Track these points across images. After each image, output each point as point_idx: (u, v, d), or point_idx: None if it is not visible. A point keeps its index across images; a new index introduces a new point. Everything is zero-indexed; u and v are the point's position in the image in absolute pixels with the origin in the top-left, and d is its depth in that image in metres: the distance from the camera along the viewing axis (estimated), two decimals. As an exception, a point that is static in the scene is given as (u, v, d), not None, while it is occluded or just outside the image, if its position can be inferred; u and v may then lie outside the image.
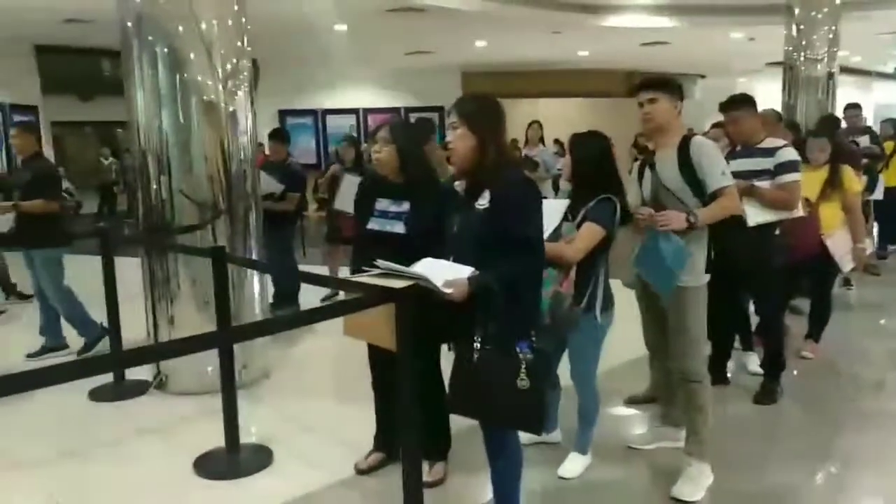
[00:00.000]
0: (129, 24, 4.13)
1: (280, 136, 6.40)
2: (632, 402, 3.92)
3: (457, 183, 2.65)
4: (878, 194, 6.75)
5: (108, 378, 4.32)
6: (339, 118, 15.51)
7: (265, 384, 4.37)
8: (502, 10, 9.70)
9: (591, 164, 3.04)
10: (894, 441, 3.51)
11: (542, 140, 8.67)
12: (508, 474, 2.54)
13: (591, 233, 2.90)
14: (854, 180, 4.47)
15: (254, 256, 4.46)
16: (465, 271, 2.31)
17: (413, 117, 13.23)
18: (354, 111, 15.73)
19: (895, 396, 4.09)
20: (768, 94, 11.60)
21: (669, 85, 2.96)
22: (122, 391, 4.27)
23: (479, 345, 2.33)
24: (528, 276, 2.37)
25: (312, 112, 15.67)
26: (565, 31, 11.49)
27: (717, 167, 2.88)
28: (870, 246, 4.54)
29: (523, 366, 2.28)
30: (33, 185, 4.88)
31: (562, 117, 13.06)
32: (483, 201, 2.38)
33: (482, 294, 2.28)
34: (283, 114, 15.30)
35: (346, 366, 3.86)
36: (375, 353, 3.08)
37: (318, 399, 4.14)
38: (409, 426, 2.34)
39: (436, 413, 2.95)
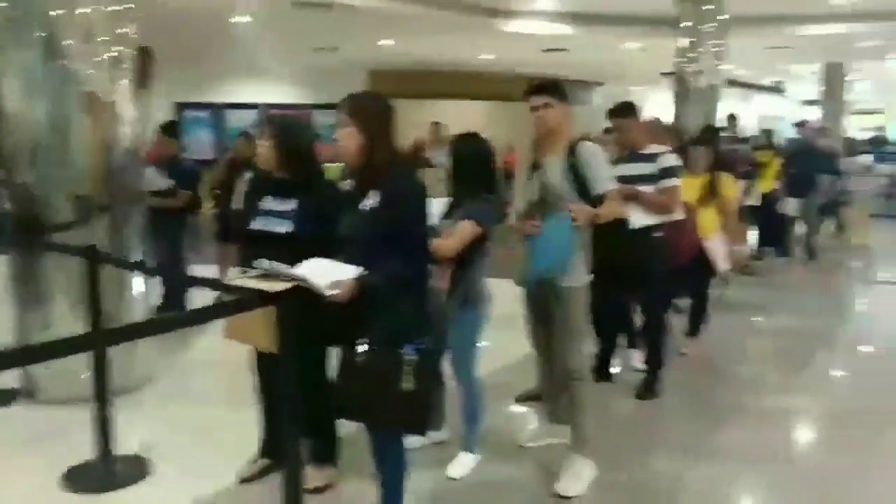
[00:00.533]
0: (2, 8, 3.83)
1: (171, 130, 6.13)
2: (520, 399, 4.00)
3: (345, 181, 2.61)
4: (755, 200, 7.20)
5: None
6: (240, 113, 15.02)
7: (147, 391, 4.16)
8: (406, 10, 9.70)
9: (470, 164, 3.12)
10: (770, 433, 3.74)
11: (441, 141, 8.73)
12: (393, 477, 2.53)
13: (466, 230, 2.97)
14: (731, 187, 4.75)
15: (138, 256, 4.23)
16: (352, 271, 2.28)
17: (317, 115, 13.02)
18: (256, 106, 15.29)
19: (770, 391, 4.35)
20: (662, 104, 12.19)
21: (560, 90, 3.04)
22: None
23: (364, 346, 2.31)
24: (414, 277, 2.37)
25: (211, 106, 15.11)
26: (469, 34, 11.62)
27: (603, 171, 2.99)
28: (745, 248, 4.82)
29: (408, 367, 2.27)
30: None
31: (466, 120, 13.20)
32: (371, 200, 2.36)
33: (369, 295, 2.26)
34: (181, 107, 14.67)
35: (234, 370, 3.72)
36: (260, 357, 2.99)
37: (202, 405, 3.98)
38: (289, 431, 2.28)
39: (323, 417, 2.90)
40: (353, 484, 3.04)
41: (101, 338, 2.84)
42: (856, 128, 23.63)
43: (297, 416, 2.29)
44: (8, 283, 4.10)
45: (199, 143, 14.51)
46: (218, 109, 15.20)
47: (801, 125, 8.91)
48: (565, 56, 13.79)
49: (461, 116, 13.97)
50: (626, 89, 20.13)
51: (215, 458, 3.30)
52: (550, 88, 3.05)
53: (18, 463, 3.31)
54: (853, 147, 9.63)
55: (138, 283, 4.27)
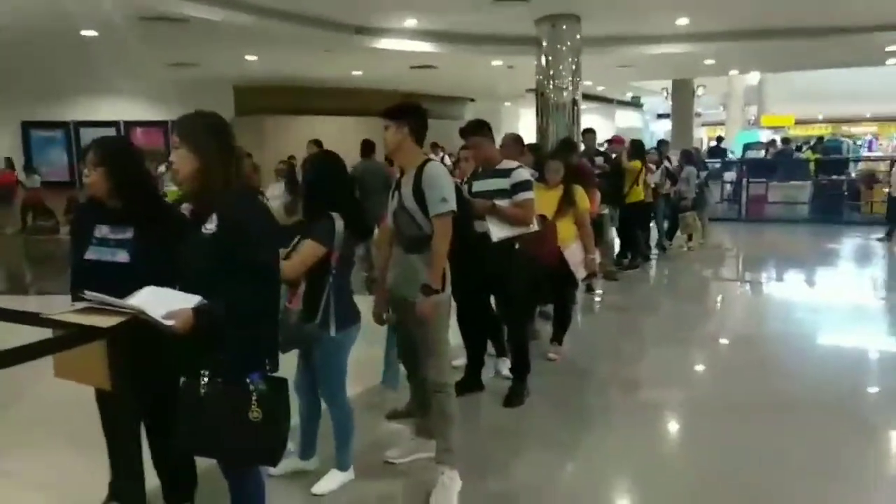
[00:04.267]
0: None
1: None
2: (393, 416, 3.98)
3: (184, 206, 2.49)
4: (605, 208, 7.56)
5: None
6: (95, 131, 14.11)
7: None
8: (270, 26, 9.51)
9: (318, 184, 3.11)
10: (637, 430, 3.92)
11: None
12: (250, 506, 2.43)
13: (308, 250, 2.94)
14: (585, 198, 4.99)
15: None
16: (191, 300, 2.17)
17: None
18: (114, 124, 14.45)
19: (635, 390, 4.56)
20: (530, 119, 12.65)
21: (395, 113, 3.09)
22: None
23: (206, 378, 2.20)
24: (258, 303, 2.27)
25: (63, 124, 14.11)
26: (337, 51, 11.57)
27: (437, 193, 3.01)
28: (598, 256, 5.07)
29: (255, 397, 2.19)
30: None
31: (339, 136, 13.13)
32: (210, 225, 2.26)
33: (210, 324, 2.16)
34: (27, 126, 13.61)
35: (77, 410, 3.45)
36: (100, 394, 2.78)
37: (44, 451, 3.65)
38: (128, 471, 2.14)
39: (177, 453, 2.74)
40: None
41: None
42: (706, 139, 25.74)
43: (136, 455, 2.14)
44: None
45: (52, 165, 13.52)
46: (70, 127, 14.20)
47: (611, 141, 9.59)
48: (434, 73, 14.04)
49: (338, 132, 13.86)
50: (497, 105, 20.82)
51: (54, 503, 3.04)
52: (387, 112, 3.12)
53: None
54: (692, 157, 10.45)
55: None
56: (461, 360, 4.42)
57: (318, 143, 8.59)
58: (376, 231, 4.02)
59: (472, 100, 20.35)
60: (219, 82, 14.52)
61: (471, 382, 4.36)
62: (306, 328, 2.92)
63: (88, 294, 2.18)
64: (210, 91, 14.36)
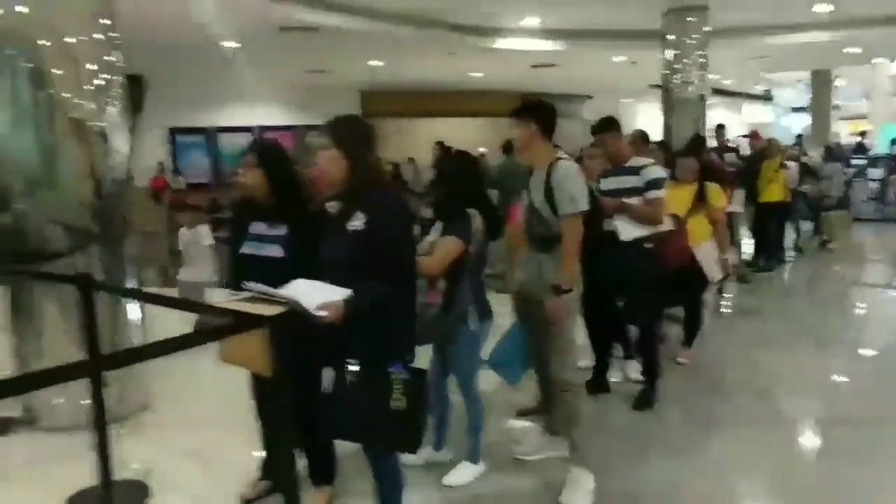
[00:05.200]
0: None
1: None
2: (522, 413, 4.01)
3: (329, 204, 2.65)
4: (739, 207, 7.24)
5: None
6: (233, 136, 15.11)
7: (145, 417, 4.17)
8: (393, 31, 9.81)
9: (453, 182, 3.18)
10: (764, 438, 3.76)
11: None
12: (390, 495, 2.54)
13: (447, 245, 3.01)
14: (719, 196, 4.80)
15: (131, 283, 4.26)
16: (340, 293, 2.31)
17: (310, 136, 13.12)
18: (250, 129, 15.39)
19: (767, 398, 4.35)
20: (651, 115, 12.29)
21: (522, 111, 3.10)
22: (-18, 431, 3.96)
23: (353, 367, 2.33)
24: (399, 297, 2.38)
25: (204, 130, 15.20)
26: (458, 53, 11.75)
27: (567, 193, 3.00)
28: (734, 256, 4.86)
29: (397, 386, 2.30)
30: None
31: (458, 137, 13.34)
32: (355, 222, 2.39)
33: (357, 316, 2.29)
34: (174, 132, 14.77)
35: (231, 392, 3.74)
36: (256, 379, 3.01)
37: (201, 429, 3.98)
38: (285, 453, 2.30)
39: (317, 438, 2.91)
40: (351, 502, 3.05)
41: (97, 363, 2.85)
42: (846, 133, 23.86)
43: (292, 438, 2.30)
44: (4, 314, 4.11)
45: (195, 167, 14.60)
46: (211, 133, 15.28)
47: (751, 136, 9.08)
48: (553, 71, 13.93)
49: (456, 134, 14.10)
50: (615, 102, 20.34)
51: (216, 480, 3.32)
52: (516, 111, 3.13)
53: (19, 491, 3.31)
54: (836, 153, 9.72)
55: (133, 310, 4.29)
56: (587, 362, 4.39)
57: (442, 144, 8.81)
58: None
59: (590, 97, 19.99)
60: (346, 87, 15.13)
61: (597, 384, 4.32)
62: (444, 322, 3.01)
63: (250, 285, 2.37)
64: (338, 96, 15.02)
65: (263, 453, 3.17)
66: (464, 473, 3.24)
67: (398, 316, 2.38)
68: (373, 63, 12.74)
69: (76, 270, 3.75)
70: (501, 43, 11.14)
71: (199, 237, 5.66)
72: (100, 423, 3.13)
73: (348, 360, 2.33)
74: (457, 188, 3.19)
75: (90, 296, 3.05)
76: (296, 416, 2.87)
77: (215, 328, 2.34)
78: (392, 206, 2.43)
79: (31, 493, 3.28)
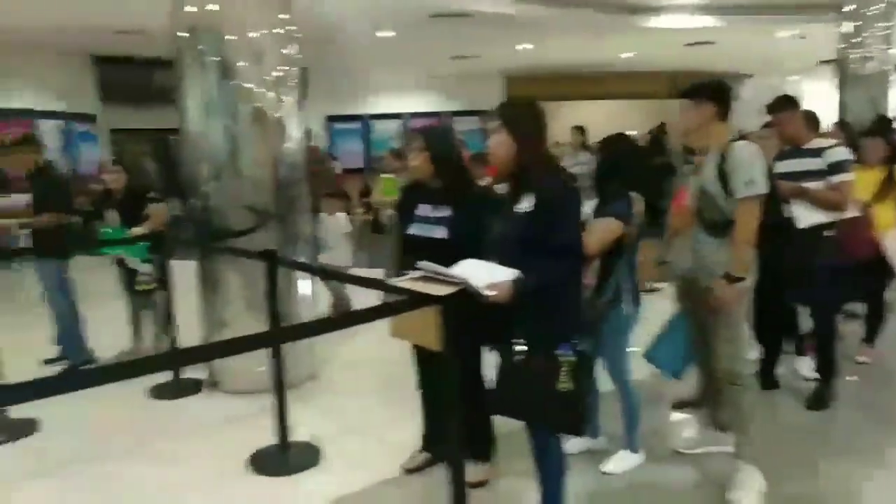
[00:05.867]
0: (182, 34, 4.28)
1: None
2: (679, 406, 3.88)
3: (497, 186, 2.69)
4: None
5: (167, 376, 4.51)
6: (384, 123, 15.69)
7: (312, 385, 4.47)
8: (544, 14, 9.71)
9: (612, 163, 3.13)
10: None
11: (584, 145, 8.63)
12: (553, 475, 2.56)
13: (606, 226, 2.97)
14: (909, 180, 4.34)
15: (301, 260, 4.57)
16: (507, 273, 2.34)
17: (456, 121, 13.34)
18: (400, 116, 15.90)
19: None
20: (818, 93, 11.31)
21: (697, 92, 2.96)
22: (178, 389, 4.43)
23: (520, 347, 2.36)
24: (569, 279, 2.39)
25: (359, 118, 15.88)
26: (608, 33, 11.42)
27: (744, 175, 2.83)
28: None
29: (564, 368, 2.30)
30: (45, 198, 4.80)
31: (606, 120, 12.99)
32: (525, 204, 2.41)
33: (525, 296, 2.31)
34: (331, 119, 15.55)
35: (392, 366, 3.93)
36: (420, 354, 3.13)
37: (364, 399, 4.22)
38: (452, 427, 2.38)
39: (480, 414, 2.99)
40: (510, 481, 3.11)
41: (279, 335, 3.10)
42: None
43: (459, 413, 2.38)
44: (196, 286, 4.55)
45: (350, 154, 15.32)
46: (365, 121, 15.96)
47: None
48: (709, 49, 13.17)
49: (603, 117, 13.75)
50: (779, 80, 18.86)
51: (379, 449, 3.50)
52: (689, 91, 3.00)
53: (208, 446, 3.68)
54: None
55: (305, 286, 4.59)
56: (755, 354, 4.15)
57: (581, 129, 8.62)
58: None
59: (750, 75, 18.69)
60: (491, 73, 15.19)
61: (765, 378, 4.08)
62: (597, 305, 2.99)
63: (422, 264, 2.47)
64: (482, 81, 15.14)
65: (424, 427, 3.30)
66: (623, 462, 3.20)
67: (566, 297, 2.38)
68: (520, 47, 12.69)
69: (257, 248, 4.08)
70: (655, 21, 10.69)
71: (338, 224, 5.94)
72: (279, 388, 3.41)
73: (515, 340, 2.36)
74: (616, 170, 3.13)
75: (274, 271, 3.31)
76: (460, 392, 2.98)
77: (391, 304, 2.46)
78: (560, 189, 2.42)
79: (217, 449, 3.62)
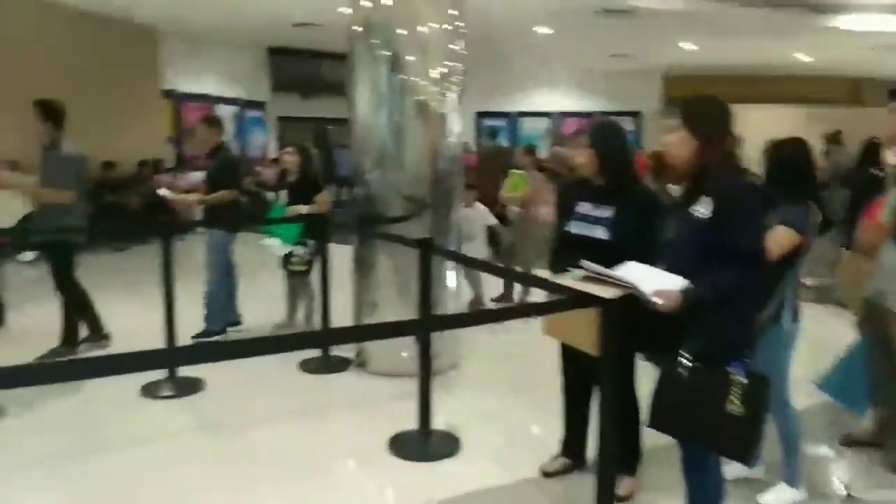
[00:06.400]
0: (357, 28, 4.46)
1: (211, 120, 5.52)
2: (849, 441, 3.53)
3: (671, 186, 2.56)
4: None
5: (316, 353, 4.74)
6: (533, 121, 15.62)
7: (453, 375, 4.52)
8: (716, 11, 9.19)
9: (789, 169, 2.89)
10: None
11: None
12: (704, 497, 2.41)
13: (784, 236, 2.73)
14: None
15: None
16: (675, 281, 2.23)
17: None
18: (548, 114, 15.75)
19: None
20: None
21: None
22: (327, 365, 4.64)
23: (686, 361, 2.23)
24: (748, 291, 2.23)
25: (507, 115, 15.91)
26: (785, 33, 10.62)
27: None
28: None
29: (735, 388, 2.15)
30: (219, 176, 5.17)
31: (775, 126, 12.11)
32: (702, 208, 2.27)
33: (694, 306, 2.18)
34: (481, 115, 15.70)
35: (536, 364, 3.88)
36: (569, 356, 3.06)
37: (505, 394, 4.21)
38: (607, 437, 2.30)
39: (628, 425, 2.88)
40: (651, 496, 2.97)
41: (430, 323, 3.14)
42: None
43: (615, 423, 2.29)
44: (351, 270, 4.75)
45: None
46: (513, 118, 15.96)
47: None
48: (904, 52, 11.90)
49: (771, 123, 12.83)
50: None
51: (517, 447, 3.47)
52: None
53: (347, 426, 3.82)
54: None
55: (452, 276, 4.65)
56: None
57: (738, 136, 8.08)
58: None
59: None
60: (648, 72, 14.66)
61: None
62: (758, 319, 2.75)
63: (585, 264, 2.40)
64: (638, 81, 14.65)
65: (565, 430, 3.23)
66: (782, 496, 2.94)
67: (742, 310, 2.23)
68: (684, 45, 12.12)
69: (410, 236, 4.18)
70: (843, 21, 9.79)
71: (477, 216, 5.92)
72: (424, 374, 3.47)
73: (682, 353, 2.23)
74: (792, 176, 2.88)
75: (429, 259, 3.37)
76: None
77: (550, 303, 2.42)
78: (743, 192, 2.27)
79: (359, 427, 3.75)
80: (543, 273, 3.02)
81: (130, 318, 5.31)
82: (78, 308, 4.85)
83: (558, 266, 2.77)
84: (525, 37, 11.10)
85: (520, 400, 4.12)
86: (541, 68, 14.63)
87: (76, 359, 1.72)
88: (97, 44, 10.09)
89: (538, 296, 2.94)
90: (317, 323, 5.10)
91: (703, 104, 2.39)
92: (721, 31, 10.45)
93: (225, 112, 12.49)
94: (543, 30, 10.64)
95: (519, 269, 5.93)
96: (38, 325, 5.07)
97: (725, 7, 9.14)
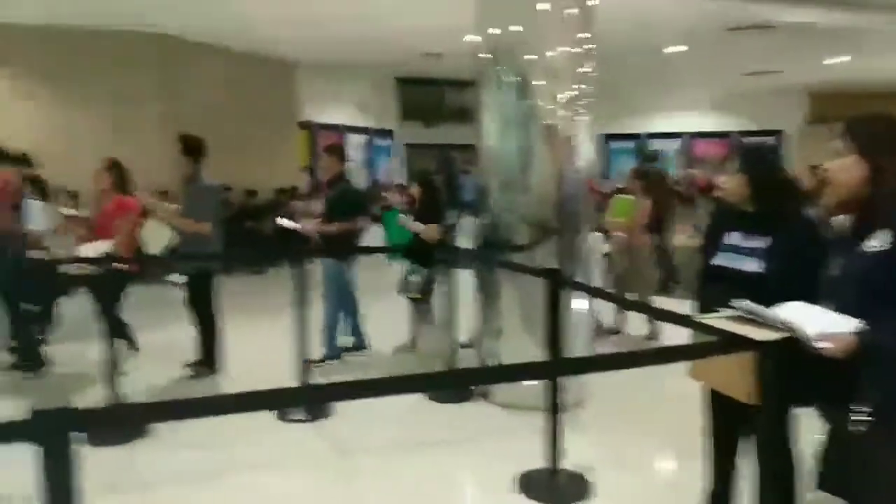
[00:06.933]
0: (485, 55, 4.44)
1: (331, 150, 5.63)
2: None
3: (835, 218, 2.28)
4: None
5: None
6: (661, 143, 15.07)
7: (582, 410, 4.31)
8: (866, 23, 8.45)
9: None
10: None
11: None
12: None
13: None
14: None
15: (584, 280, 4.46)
16: (847, 323, 1.96)
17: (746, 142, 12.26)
18: (679, 135, 15.14)
19: None
20: None
21: None
22: (452, 394, 4.58)
23: (860, 415, 1.96)
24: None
25: (636, 136, 15.46)
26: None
27: None
28: None
29: (923, 452, 1.85)
30: (335, 206, 5.26)
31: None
32: (876, 242, 2.00)
33: (870, 354, 1.91)
34: (607, 138, 15.36)
35: (669, 403, 3.63)
36: (719, 402, 2.80)
37: (639, 435, 3.96)
38: (767, 495, 2.06)
39: (782, 482, 2.58)
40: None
41: (558, 366, 2.98)
42: None
43: (777, 479, 2.05)
44: (474, 294, 4.70)
45: (622, 174, 14.96)
46: (641, 139, 15.48)
47: None
48: None
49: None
50: None
51: (653, 492, 3.24)
52: None
53: (477, 455, 3.73)
54: None
55: (579, 305, 4.47)
56: None
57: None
58: None
59: None
60: (791, 90, 13.74)
61: None
62: None
63: (738, 303, 2.18)
64: (780, 99, 13.77)
65: (713, 483, 2.95)
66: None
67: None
68: (831, 60, 11.25)
69: (530, 262, 4.06)
70: None
71: (594, 243, 5.71)
72: (553, 412, 3.32)
73: (855, 407, 1.96)
74: None
75: (557, 292, 3.23)
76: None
77: (699, 345, 2.22)
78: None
79: (485, 462, 3.65)
80: (687, 311, 2.80)
81: (259, 341, 5.54)
82: (206, 334, 5.07)
83: (706, 303, 2.55)
84: (654, 56, 10.74)
85: (654, 442, 3.86)
86: (670, 88, 14.11)
87: (228, 395, 1.80)
88: (241, 79, 10.83)
89: (670, 334, 2.71)
90: (439, 348, 5.08)
91: (875, 123, 2.12)
92: (873, 42, 9.60)
93: (356, 141, 13.00)
94: (675, 48, 10.25)
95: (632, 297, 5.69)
96: (176, 342, 5.38)
97: (877, 17, 8.40)
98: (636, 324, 6.02)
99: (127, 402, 3.92)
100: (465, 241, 5.17)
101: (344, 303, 5.41)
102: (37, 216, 5.25)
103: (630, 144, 15.37)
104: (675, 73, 12.18)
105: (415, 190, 5.61)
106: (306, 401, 3.92)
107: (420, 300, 5.36)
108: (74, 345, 5.55)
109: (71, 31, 9.00)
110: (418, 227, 5.34)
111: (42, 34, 8.94)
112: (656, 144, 15.12)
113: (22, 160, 5.33)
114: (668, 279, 7.56)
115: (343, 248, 5.27)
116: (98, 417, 1.81)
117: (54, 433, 1.35)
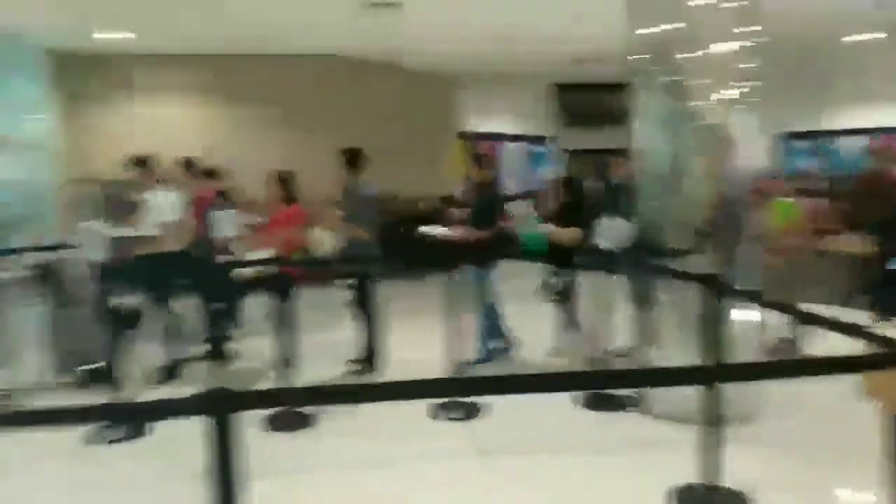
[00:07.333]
0: (639, 56, 4.29)
1: (476, 158, 5.67)
2: None
3: None
4: None
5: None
6: (849, 140, 13.62)
7: (743, 425, 4.00)
8: None
9: None
10: None
11: None
12: None
13: None
14: None
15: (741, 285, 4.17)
16: None
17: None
18: (869, 131, 13.59)
19: None
20: None
21: None
22: (605, 402, 4.47)
23: None
24: None
25: (819, 134, 14.10)
26: None
27: None
28: None
29: None
30: (480, 213, 5.37)
31: None
32: None
33: None
34: (790, 137, 14.16)
35: (843, 423, 3.28)
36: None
37: (805, 456, 3.64)
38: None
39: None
40: None
41: (717, 372, 2.81)
42: None
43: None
44: (629, 301, 4.57)
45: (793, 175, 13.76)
46: (822, 137, 14.11)
47: None
48: None
49: None
50: None
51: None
52: None
53: (628, 466, 3.62)
54: None
55: (744, 316, 4.18)
56: None
57: None
58: None
59: None
60: None
61: None
62: None
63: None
64: None
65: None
66: None
67: None
68: None
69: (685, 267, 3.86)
70: None
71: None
72: (712, 425, 3.13)
73: None
74: None
75: (716, 298, 3.05)
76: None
77: (875, 356, 2.01)
78: None
79: (635, 472, 3.53)
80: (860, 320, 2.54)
81: (416, 343, 5.73)
82: (368, 334, 5.36)
83: (884, 311, 2.31)
84: (833, 49, 9.73)
85: (826, 466, 3.51)
86: (860, 81, 12.73)
87: (384, 382, 1.93)
88: (406, 94, 11.41)
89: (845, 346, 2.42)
90: (589, 355, 4.98)
91: None
92: None
93: (514, 149, 13.11)
94: (870, 35, 9.23)
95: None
96: (341, 342, 5.70)
97: None
98: (814, 339, 5.50)
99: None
100: (604, 243, 5.02)
101: (489, 307, 5.49)
102: (224, 224, 5.84)
103: (808, 143, 14.01)
104: (867, 62, 11.01)
105: (551, 192, 5.56)
106: (458, 392, 3.93)
107: (559, 302, 5.33)
108: (261, 340, 6.08)
109: (268, 58, 10.05)
110: (555, 230, 5.30)
111: (247, 61, 10.07)
112: (840, 142, 13.65)
113: (213, 174, 6.02)
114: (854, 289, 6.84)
115: (486, 253, 5.38)
116: (258, 398, 1.99)
117: (220, 410, 1.51)
